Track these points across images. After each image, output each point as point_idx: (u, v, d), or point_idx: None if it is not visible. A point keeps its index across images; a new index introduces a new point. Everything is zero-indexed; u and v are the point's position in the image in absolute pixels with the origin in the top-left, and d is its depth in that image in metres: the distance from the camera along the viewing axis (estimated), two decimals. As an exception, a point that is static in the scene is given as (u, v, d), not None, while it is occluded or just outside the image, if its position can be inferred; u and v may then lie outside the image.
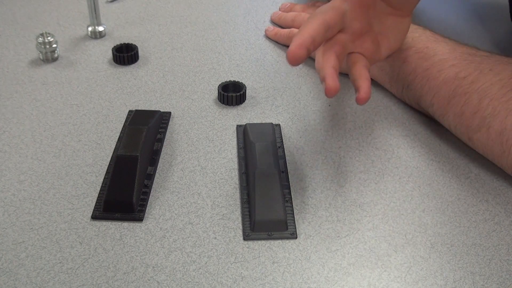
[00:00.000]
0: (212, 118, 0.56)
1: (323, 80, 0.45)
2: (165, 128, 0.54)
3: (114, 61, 0.63)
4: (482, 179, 0.50)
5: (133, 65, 0.63)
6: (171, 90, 0.60)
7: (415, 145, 0.53)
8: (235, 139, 0.53)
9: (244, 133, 0.53)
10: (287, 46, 0.67)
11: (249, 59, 0.65)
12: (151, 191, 0.47)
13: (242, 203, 0.46)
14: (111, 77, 0.61)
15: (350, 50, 0.50)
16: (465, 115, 0.50)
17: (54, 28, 0.69)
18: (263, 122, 0.55)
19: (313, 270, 0.42)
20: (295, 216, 0.46)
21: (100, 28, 0.68)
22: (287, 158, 0.51)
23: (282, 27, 0.70)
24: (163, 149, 0.52)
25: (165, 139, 0.53)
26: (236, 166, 0.50)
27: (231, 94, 0.57)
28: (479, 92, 0.49)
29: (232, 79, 0.61)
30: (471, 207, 0.47)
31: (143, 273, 0.41)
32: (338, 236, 0.44)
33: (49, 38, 0.61)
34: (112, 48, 0.63)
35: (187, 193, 0.47)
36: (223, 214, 0.46)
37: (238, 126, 0.55)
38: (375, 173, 0.50)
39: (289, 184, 0.48)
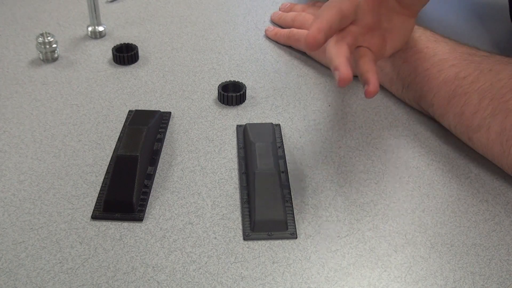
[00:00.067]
0: (212, 118, 0.56)
1: (336, 69, 0.45)
2: (165, 128, 0.54)
3: (114, 61, 0.63)
4: (482, 179, 0.50)
5: (133, 65, 0.63)
6: (171, 90, 0.60)
7: (415, 145, 0.53)
8: (235, 139, 0.53)
9: (244, 133, 0.53)
10: (287, 46, 0.67)
11: (249, 59, 0.65)
12: (151, 191, 0.47)
13: (242, 203, 0.46)
14: (111, 77, 0.61)
15: (359, 44, 0.50)
16: (465, 115, 0.50)
17: (54, 28, 0.69)
18: (263, 122, 0.55)
19: (313, 270, 0.42)
20: (295, 216, 0.46)
21: (100, 28, 0.68)
22: (287, 158, 0.51)
23: (282, 27, 0.70)
24: (163, 149, 0.52)
25: (165, 139, 0.53)
26: (236, 166, 0.50)
27: (231, 94, 0.57)
28: (479, 92, 0.49)
29: (232, 79, 0.61)
30: (471, 207, 0.47)
31: (143, 273, 0.41)
32: (338, 236, 0.44)
33: (49, 38, 0.61)
34: (112, 48, 0.63)
35: (187, 193, 0.47)
36: (223, 214, 0.46)
37: (238, 126, 0.55)
38: (375, 173, 0.50)
39: (289, 184, 0.48)
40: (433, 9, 0.75)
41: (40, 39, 0.61)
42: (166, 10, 0.75)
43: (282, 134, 0.54)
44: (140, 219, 0.45)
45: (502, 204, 0.48)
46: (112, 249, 0.42)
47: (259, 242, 0.43)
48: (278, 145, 0.52)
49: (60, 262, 0.41)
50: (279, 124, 0.55)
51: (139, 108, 0.56)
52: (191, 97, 0.59)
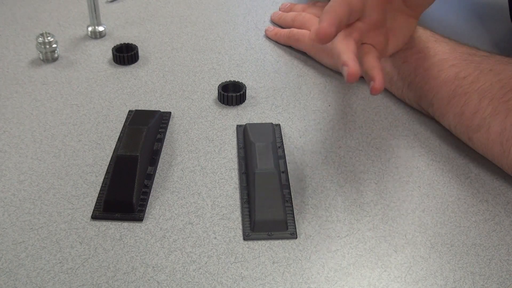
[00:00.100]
0: (212, 118, 0.56)
1: (344, 65, 0.45)
2: (165, 128, 0.54)
3: (114, 61, 0.63)
4: (482, 179, 0.50)
5: (133, 65, 0.63)
6: (171, 90, 0.60)
7: (415, 145, 0.53)
8: (235, 139, 0.53)
9: (244, 133, 0.53)
10: (287, 46, 0.67)
11: (249, 59, 0.65)
12: (151, 191, 0.47)
13: (242, 203, 0.46)
14: (111, 77, 0.61)
15: (364, 41, 0.50)
16: (465, 115, 0.50)
17: (54, 28, 0.69)
18: (263, 122, 0.55)
19: (313, 270, 0.42)
20: (295, 216, 0.46)
21: (100, 28, 0.68)
22: (287, 158, 0.51)
23: (282, 27, 0.70)
24: (163, 149, 0.52)
25: (165, 139, 0.53)
26: (236, 166, 0.50)
27: (231, 94, 0.57)
28: (479, 92, 0.49)
29: (232, 79, 0.61)
30: (471, 207, 0.47)
31: (143, 273, 0.41)
32: (338, 236, 0.44)
33: (49, 38, 0.61)
34: (112, 48, 0.63)
35: (187, 193, 0.47)
36: (223, 214, 0.46)
37: (238, 126, 0.55)
38: (375, 173, 0.50)
39: (289, 184, 0.48)
40: (433, 9, 0.75)
41: (40, 39, 0.61)
42: (166, 10, 0.75)
43: (282, 134, 0.54)
44: (140, 219, 0.45)
45: (502, 204, 0.48)
46: (112, 249, 0.42)
47: (259, 242, 0.43)
48: (278, 145, 0.52)
49: (60, 262, 0.41)
50: (279, 124, 0.55)
51: (139, 108, 0.56)
52: (191, 97, 0.59)
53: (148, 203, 0.46)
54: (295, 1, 0.75)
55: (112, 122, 0.55)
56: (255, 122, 0.54)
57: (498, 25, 0.73)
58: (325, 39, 0.45)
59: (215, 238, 0.44)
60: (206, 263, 0.42)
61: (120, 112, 0.56)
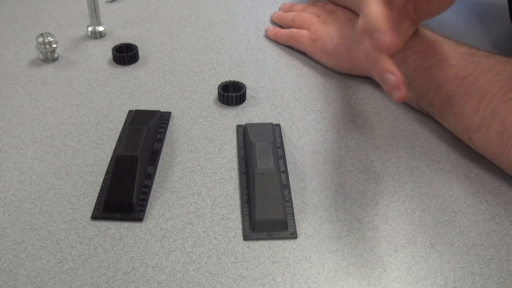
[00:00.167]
0: (212, 118, 0.56)
1: (389, 72, 0.44)
2: (165, 128, 0.54)
3: (114, 61, 0.63)
4: (482, 179, 0.50)
5: (133, 65, 0.63)
6: (171, 90, 0.60)
7: (415, 145, 0.53)
8: (235, 139, 0.53)
9: (244, 133, 0.53)
10: (287, 46, 0.67)
11: (249, 59, 0.65)
12: (151, 191, 0.47)
13: (242, 203, 0.46)
14: (111, 77, 0.61)
15: None
16: (465, 115, 0.50)
17: (54, 28, 0.69)
18: (263, 122, 0.55)
19: (313, 270, 0.42)
20: (295, 216, 0.46)
21: (100, 28, 0.68)
22: (287, 158, 0.51)
23: (282, 27, 0.70)
24: (163, 149, 0.52)
25: (165, 139, 0.53)
26: (236, 166, 0.50)
27: (231, 94, 0.57)
28: (479, 92, 0.49)
29: (232, 79, 0.61)
30: (471, 207, 0.47)
31: (143, 273, 0.41)
32: (338, 236, 0.44)
33: (49, 38, 0.61)
34: (112, 48, 0.63)
35: (187, 193, 0.47)
36: (223, 214, 0.46)
37: (238, 126, 0.55)
38: (375, 173, 0.50)
39: (289, 184, 0.48)
40: (433, 9, 0.75)
41: (40, 39, 0.61)
42: (166, 10, 0.75)
43: (282, 134, 0.54)
44: (140, 219, 0.45)
45: (502, 204, 0.48)
46: (112, 249, 0.42)
47: (259, 242, 0.43)
48: (278, 145, 0.52)
49: (60, 262, 0.41)
50: (279, 124, 0.55)
51: (139, 108, 0.56)
52: (191, 97, 0.59)
53: (148, 203, 0.46)
54: (295, 1, 0.75)
55: (112, 122, 0.55)
56: (255, 122, 0.54)
57: (498, 25, 0.73)
58: (393, 50, 0.45)
59: (215, 238, 0.44)
60: (206, 263, 0.42)
61: (120, 112, 0.56)
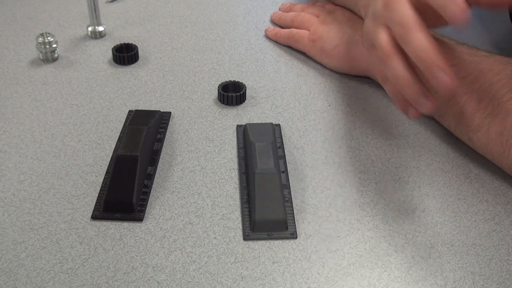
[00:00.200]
0: (212, 118, 0.56)
1: (440, 69, 0.43)
2: (165, 128, 0.54)
3: (114, 61, 0.63)
4: (482, 179, 0.50)
5: (133, 65, 0.63)
6: (171, 90, 0.60)
7: (415, 145, 0.53)
8: (235, 139, 0.53)
9: (244, 133, 0.53)
10: (287, 46, 0.67)
11: (249, 59, 0.65)
12: (151, 191, 0.47)
13: (242, 203, 0.46)
14: (111, 77, 0.61)
15: None
16: (465, 115, 0.50)
17: (54, 28, 0.69)
18: (263, 122, 0.55)
19: (313, 270, 0.42)
20: (295, 216, 0.46)
21: (100, 28, 0.68)
22: (287, 158, 0.51)
23: (282, 27, 0.70)
24: (163, 149, 0.52)
25: (165, 139, 0.53)
26: (236, 166, 0.50)
27: (231, 94, 0.57)
28: (478, 92, 0.49)
29: (232, 79, 0.61)
30: (471, 207, 0.47)
31: (143, 273, 0.41)
32: (338, 236, 0.44)
33: (49, 38, 0.61)
34: (112, 48, 0.63)
35: (187, 193, 0.47)
36: (223, 214, 0.46)
37: (238, 126, 0.55)
38: (375, 173, 0.50)
39: (289, 184, 0.48)
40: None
41: (40, 39, 0.61)
42: (166, 10, 0.75)
43: (282, 134, 0.54)
44: (140, 219, 0.45)
45: (502, 204, 0.48)
46: (112, 249, 0.42)
47: (259, 242, 0.43)
48: (278, 145, 0.52)
49: (60, 262, 0.41)
50: (279, 124, 0.55)
51: (139, 108, 0.56)
52: (191, 97, 0.59)
53: (148, 203, 0.46)
54: (295, 1, 0.75)
55: (112, 122, 0.55)
56: (255, 122, 0.54)
57: (498, 25, 0.73)
58: (451, 91, 0.44)
59: (215, 238, 0.44)
60: (206, 263, 0.42)
61: (120, 112, 0.56)
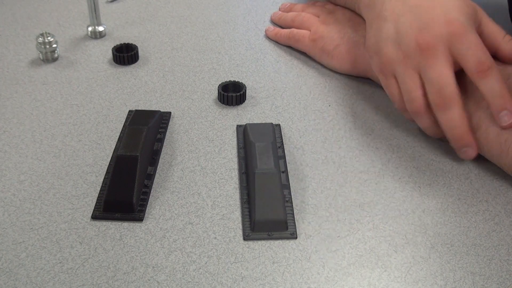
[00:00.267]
0: (212, 118, 0.56)
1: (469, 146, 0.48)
2: (165, 128, 0.54)
3: (114, 61, 0.63)
4: (482, 179, 0.50)
5: (133, 65, 0.63)
6: (171, 90, 0.60)
7: (415, 145, 0.53)
8: (235, 139, 0.53)
9: (244, 133, 0.53)
10: (287, 46, 0.67)
11: (249, 59, 0.65)
12: (151, 191, 0.47)
13: (242, 203, 0.46)
14: (111, 77, 0.61)
15: None
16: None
17: (54, 28, 0.69)
18: (263, 122, 0.55)
19: (313, 270, 0.42)
20: (295, 216, 0.46)
21: (100, 28, 0.68)
22: (287, 158, 0.51)
23: (282, 27, 0.70)
24: (163, 149, 0.52)
25: (165, 139, 0.53)
26: (236, 166, 0.50)
27: (231, 94, 0.57)
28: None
29: (232, 79, 0.61)
30: (471, 207, 0.47)
31: (143, 273, 0.41)
32: (338, 236, 0.44)
33: (49, 38, 0.61)
34: (112, 48, 0.63)
35: (187, 193, 0.47)
36: (223, 214, 0.46)
37: (238, 126, 0.55)
38: (375, 173, 0.50)
39: (289, 184, 0.48)
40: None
41: (40, 39, 0.61)
42: (166, 10, 0.75)
43: (282, 134, 0.54)
44: (140, 219, 0.45)
45: (502, 204, 0.48)
46: (112, 249, 0.42)
47: (259, 242, 0.43)
48: (278, 145, 0.52)
49: (60, 262, 0.41)
50: (279, 124, 0.55)
51: (139, 108, 0.56)
52: (191, 97, 0.59)
53: (148, 203, 0.46)
54: (295, 1, 0.75)
55: (112, 122, 0.55)
56: (255, 122, 0.54)
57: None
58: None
59: (215, 238, 0.44)
60: (206, 263, 0.42)
61: (120, 112, 0.56)
